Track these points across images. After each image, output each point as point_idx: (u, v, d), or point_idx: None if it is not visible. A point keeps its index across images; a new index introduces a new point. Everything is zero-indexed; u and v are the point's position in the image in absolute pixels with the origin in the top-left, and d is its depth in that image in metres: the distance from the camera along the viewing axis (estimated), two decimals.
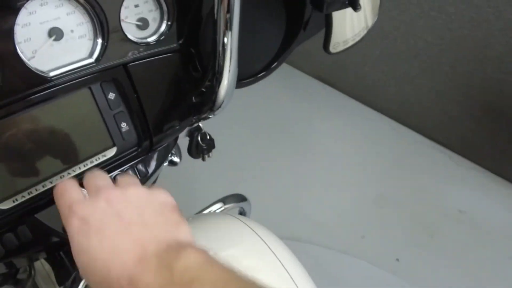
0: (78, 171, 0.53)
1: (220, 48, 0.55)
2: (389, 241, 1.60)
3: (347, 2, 0.53)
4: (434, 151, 1.93)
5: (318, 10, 0.54)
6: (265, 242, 0.67)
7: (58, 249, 0.56)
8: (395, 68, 1.96)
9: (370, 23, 0.71)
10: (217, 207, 0.93)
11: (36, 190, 0.50)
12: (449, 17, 1.71)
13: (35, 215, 0.52)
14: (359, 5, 0.53)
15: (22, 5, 0.45)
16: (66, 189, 0.46)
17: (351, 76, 2.14)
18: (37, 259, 0.63)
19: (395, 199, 1.72)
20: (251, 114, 1.99)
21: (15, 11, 0.44)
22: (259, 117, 2.01)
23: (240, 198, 0.96)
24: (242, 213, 0.98)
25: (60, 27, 0.48)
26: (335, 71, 2.19)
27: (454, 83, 1.81)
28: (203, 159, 0.70)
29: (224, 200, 0.94)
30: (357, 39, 0.71)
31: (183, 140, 0.74)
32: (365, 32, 0.73)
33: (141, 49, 0.54)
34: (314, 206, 1.67)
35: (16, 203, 0.49)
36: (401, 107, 2.02)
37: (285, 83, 2.21)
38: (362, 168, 1.84)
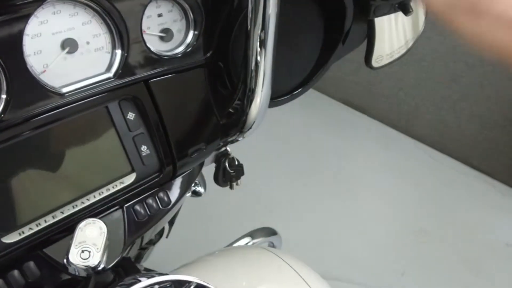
0: (92, 200, 0.48)
1: (253, 66, 0.50)
2: (431, 278, 1.49)
3: (397, 6, 0.46)
4: (478, 181, 1.82)
5: (364, 15, 0.48)
6: (299, 275, 0.59)
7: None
8: (433, 93, 1.88)
9: (412, 36, 0.65)
10: (245, 241, 0.86)
11: (46, 221, 0.45)
12: None
13: (44, 250, 0.46)
14: (411, 8, 0.46)
15: (32, 12, 0.40)
16: None
17: (384, 102, 2.06)
18: None
19: (437, 233, 1.62)
20: (280, 143, 1.93)
21: (24, 19, 0.40)
22: (289, 145, 1.95)
23: (269, 232, 0.90)
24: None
25: (75, 38, 0.44)
26: (366, 97, 2.12)
27: (498, 107, 1.71)
28: (231, 187, 0.64)
29: (252, 234, 0.87)
30: (403, 51, 0.65)
31: (207, 168, 0.67)
32: (409, 45, 0.66)
33: (164, 63, 0.49)
34: (350, 241, 1.58)
35: (23, 236, 0.44)
36: (440, 134, 1.92)
37: (314, 110, 2.15)
38: (400, 200, 1.75)
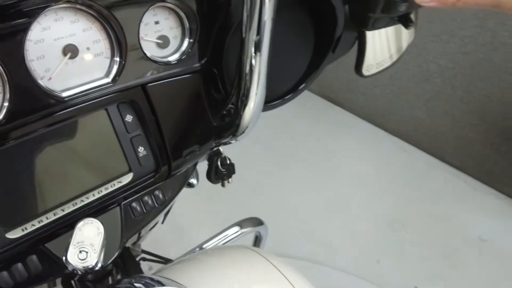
0: (91, 199, 0.49)
1: (247, 70, 0.51)
2: (406, 267, 1.54)
3: (396, 18, 0.47)
4: (450, 175, 1.89)
5: (362, 28, 0.49)
6: (284, 275, 0.62)
7: (71, 278, 0.51)
8: (407, 91, 1.93)
9: (403, 45, 0.67)
10: (233, 231, 0.89)
11: (47, 218, 0.47)
12: (462, 41, 1.69)
13: (46, 245, 0.48)
14: (412, 22, 0.47)
15: (35, 18, 0.41)
16: None
17: (360, 98, 2.12)
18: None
19: (411, 224, 1.68)
20: (261, 134, 1.96)
21: (27, 25, 0.41)
22: (269, 137, 1.98)
23: (257, 222, 0.92)
24: (258, 237, 0.94)
25: (76, 44, 0.45)
26: (343, 92, 2.17)
27: (470, 107, 1.78)
28: (223, 185, 0.66)
29: (240, 224, 0.89)
30: (392, 60, 0.67)
31: (201, 162, 0.69)
32: (400, 54, 0.69)
33: (160, 69, 0.51)
34: (328, 228, 1.63)
35: (26, 231, 0.45)
36: (414, 129, 1.99)
37: (293, 103, 2.18)
38: (375, 190, 1.80)
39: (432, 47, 1.77)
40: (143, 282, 0.47)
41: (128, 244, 0.56)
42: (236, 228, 0.89)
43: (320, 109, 2.21)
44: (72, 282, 0.51)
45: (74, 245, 0.43)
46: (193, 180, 0.70)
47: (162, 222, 0.74)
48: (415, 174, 1.88)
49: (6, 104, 0.41)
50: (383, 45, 0.63)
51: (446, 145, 1.91)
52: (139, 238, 0.57)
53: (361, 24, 0.48)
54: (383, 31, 0.55)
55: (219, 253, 0.65)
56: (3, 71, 0.41)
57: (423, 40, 1.78)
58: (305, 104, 2.21)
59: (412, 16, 0.50)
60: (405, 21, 0.47)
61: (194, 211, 1.54)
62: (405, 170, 1.89)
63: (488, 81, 1.68)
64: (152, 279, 0.47)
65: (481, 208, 1.75)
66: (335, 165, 1.90)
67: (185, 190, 0.71)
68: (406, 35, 0.64)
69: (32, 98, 0.43)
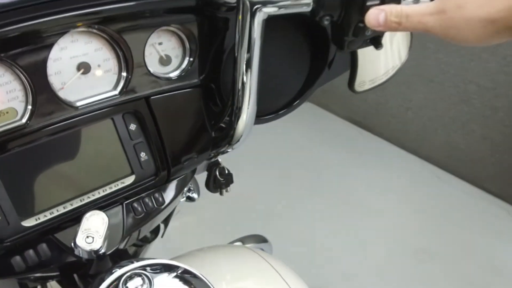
0: (97, 196, 0.56)
1: (240, 86, 0.56)
2: None
3: (368, 41, 0.52)
4: (488, 203, 1.81)
5: (339, 48, 0.55)
6: (282, 277, 0.65)
7: (73, 272, 0.58)
8: (443, 114, 1.89)
9: (396, 64, 0.71)
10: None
11: (58, 211, 0.54)
12: (504, 60, 1.64)
13: (55, 235, 0.55)
14: (381, 44, 0.52)
15: (56, 41, 0.49)
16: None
17: (391, 122, 2.09)
18: (51, 279, 0.66)
19: (440, 256, 1.61)
20: (286, 158, 1.98)
21: (49, 47, 0.49)
22: (294, 161, 1.99)
23: (260, 239, 0.95)
24: None
25: (88, 62, 0.53)
26: (372, 116, 2.15)
27: (511, 130, 1.71)
28: (221, 194, 0.71)
29: (243, 240, 0.92)
30: (384, 79, 0.71)
31: (201, 177, 0.75)
32: (392, 73, 0.73)
33: (163, 84, 0.57)
34: (348, 257, 1.60)
35: (39, 221, 0.52)
36: (449, 155, 1.93)
37: (319, 126, 2.18)
38: (403, 219, 1.75)
39: (471, 67, 1.74)
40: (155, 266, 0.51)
41: (129, 252, 0.63)
42: (237, 244, 0.92)
43: (347, 135, 2.19)
44: (75, 276, 0.58)
45: (82, 232, 0.50)
46: (194, 195, 0.75)
47: (162, 236, 0.80)
48: (450, 202, 1.82)
49: (29, 107, 0.50)
50: (376, 63, 0.67)
51: (484, 172, 1.85)
52: (138, 236, 0.63)
53: (338, 45, 0.54)
54: (375, 51, 0.59)
55: (220, 250, 0.69)
56: (28, 83, 0.49)
57: (461, 59, 1.75)
58: (331, 129, 2.20)
59: (385, 37, 0.54)
60: (375, 43, 0.52)
61: (195, 226, 1.56)
62: (439, 198, 1.83)
63: None
64: (163, 264, 0.51)
65: None
66: (363, 195, 1.86)
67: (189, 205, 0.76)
68: (399, 54, 0.68)
69: (51, 106, 0.51)
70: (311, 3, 0.49)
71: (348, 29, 0.50)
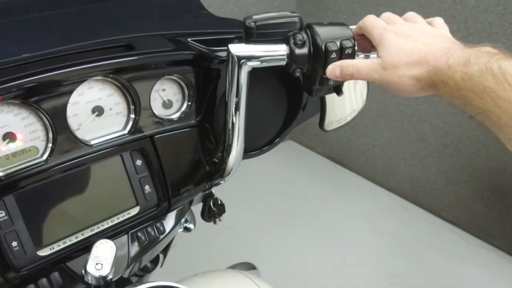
0: (105, 226, 0.62)
1: (230, 125, 0.65)
2: None
3: (331, 89, 0.63)
4: (445, 230, 1.95)
5: (309, 94, 0.65)
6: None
7: None
8: (404, 150, 2.05)
9: (358, 107, 0.82)
10: None
11: (70, 240, 0.59)
12: (451, 102, 1.82)
13: (66, 263, 0.60)
14: (342, 91, 0.63)
15: (75, 88, 0.57)
16: (376, 20, 0.58)
17: (361, 157, 2.23)
18: None
19: (408, 279, 1.72)
20: (270, 191, 2.07)
21: (69, 93, 0.57)
22: (277, 193, 2.09)
23: (249, 266, 1.01)
24: None
25: (102, 105, 0.60)
26: (345, 152, 2.30)
27: (460, 163, 1.88)
28: (215, 223, 0.78)
29: (232, 268, 0.98)
30: (348, 119, 0.82)
31: (197, 209, 0.82)
32: (355, 114, 0.84)
33: (165, 124, 0.65)
34: (324, 284, 1.67)
35: (53, 250, 0.57)
36: (411, 187, 2.08)
37: (298, 163, 2.31)
38: (374, 246, 1.86)
39: (424, 108, 1.91)
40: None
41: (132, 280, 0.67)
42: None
43: (324, 169, 2.32)
44: None
45: (92, 259, 0.55)
46: (190, 225, 0.82)
47: (161, 266, 0.84)
48: (412, 230, 1.94)
49: (50, 145, 0.56)
50: (341, 106, 0.78)
51: (440, 201, 1.99)
52: (140, 265, 0.69)
53: (308, 92, 0.64)
54: (340, 97, 0.69)
55: (213, 275, 0.75)
56: (49, 124, 0.56)
57: (416, 101, 1.93)
58: (310, 164, 2.34)
59: (346, 85, 0.65)
60: (337, 91, 0.62)
61: (189, 254, 1.60)
62: (403, 226, 1.96)
63: (475, 139, 1.79)
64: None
65: (474, 261, 1.79)
66: (336, 223, 1.96)
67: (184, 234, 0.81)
68: (362, 97, 0.80)
69: (68, 144, 0.58)
70: (286, 59, 0.58)
71: (315, 80, 0.59)
